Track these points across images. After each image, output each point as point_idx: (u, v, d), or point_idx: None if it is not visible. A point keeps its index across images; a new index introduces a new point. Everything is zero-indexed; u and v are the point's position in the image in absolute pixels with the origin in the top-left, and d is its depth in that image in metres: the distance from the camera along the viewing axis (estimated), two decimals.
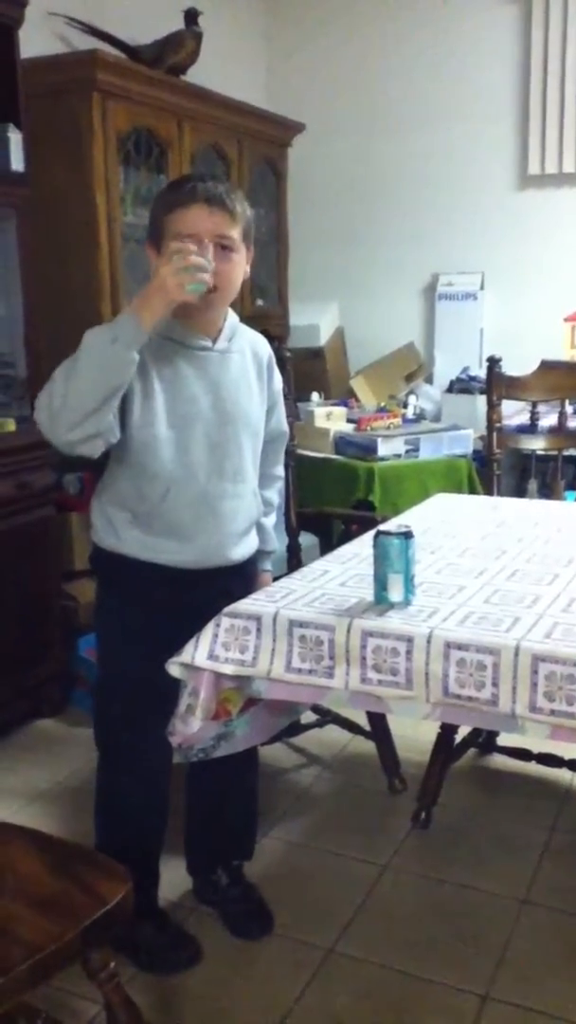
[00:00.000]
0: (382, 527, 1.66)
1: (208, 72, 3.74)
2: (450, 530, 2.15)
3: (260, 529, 1.96)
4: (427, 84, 4.46)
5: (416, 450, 3.46)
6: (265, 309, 4.21)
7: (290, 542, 2.68)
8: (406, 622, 1.50)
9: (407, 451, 3.46)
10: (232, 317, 1.82)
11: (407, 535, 1.59)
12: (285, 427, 2.04)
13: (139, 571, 1.76)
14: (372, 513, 3.05)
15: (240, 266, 1.73)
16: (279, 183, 4.32)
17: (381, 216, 4.65)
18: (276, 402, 1.96)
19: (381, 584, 1.59)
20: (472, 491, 3.43)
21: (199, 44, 3.60)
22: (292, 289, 4.42)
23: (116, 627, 1.84)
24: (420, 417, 4.05)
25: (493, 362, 2.69)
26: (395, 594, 1.58)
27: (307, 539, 3.23)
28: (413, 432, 3.55)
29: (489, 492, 2.74)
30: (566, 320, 4.16)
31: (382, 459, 3.41)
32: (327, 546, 3.21)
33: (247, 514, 1.85)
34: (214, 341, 1.76)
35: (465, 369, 4.36)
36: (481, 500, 2.68)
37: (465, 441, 3.59)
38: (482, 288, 4.49)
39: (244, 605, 1.61)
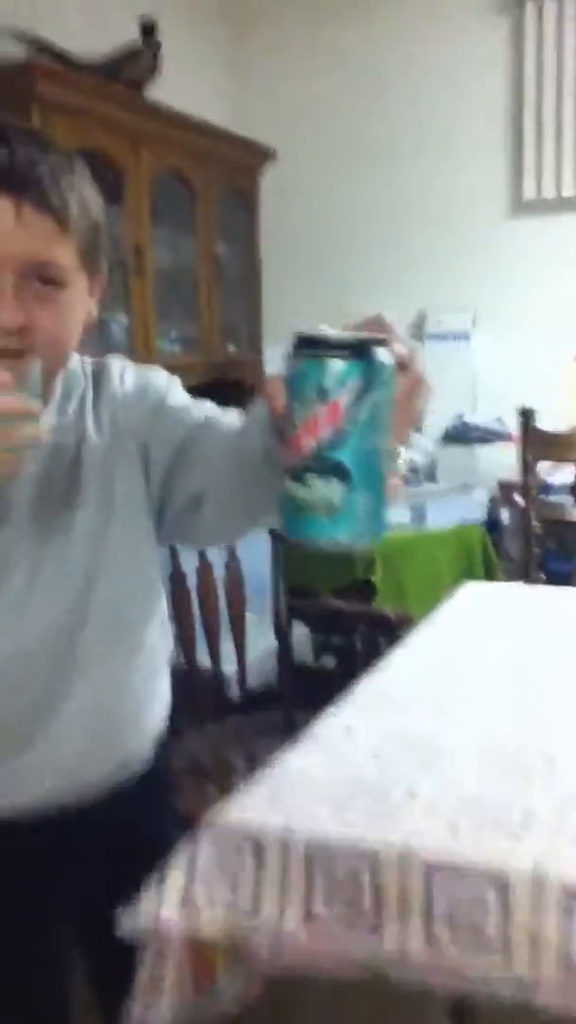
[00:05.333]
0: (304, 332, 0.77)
1: (170, 92, 3.31)
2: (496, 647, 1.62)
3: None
4: (411, 106, 4.07)
5: (422, 517, 2.96)
6: (236, 355, 3.78)
7: (280, 644, 2.13)
8: (497, 852, 0.96)
9: (412, 518, 2.96)
10: (65, 372, 1.07)
11: (364, 353, 0.73)
12: (201, 415, 1.12)
13: None
14: (383, 612, 2.33)
15: (74, 309, 0.99)
16: (251, 215, 3.91)
17: (363, 250, 4.22)
18: (170, 414, 1.10)
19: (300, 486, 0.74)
20: (487, 566, 2.91)
21: (157, 58, 3.18)
22: (267, 332, 4.00)
23: None
24: (412, 471, 3.61)
25: (527, 415, 2.20)
26: (330, 514, 0.73)
27: (296, 627, 2.71)
28: (418, 495, 3.06)
29: (524, 576, 2.24)
30: None
31: None
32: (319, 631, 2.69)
33: (124, 702, 1.11)
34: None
35: (459, 416, 3.94)
36: (529, 593, 2.08)
37: (475, 504, 3.11)
38: (474, 326, 4.08)
39: (234, 814, 1.05)
